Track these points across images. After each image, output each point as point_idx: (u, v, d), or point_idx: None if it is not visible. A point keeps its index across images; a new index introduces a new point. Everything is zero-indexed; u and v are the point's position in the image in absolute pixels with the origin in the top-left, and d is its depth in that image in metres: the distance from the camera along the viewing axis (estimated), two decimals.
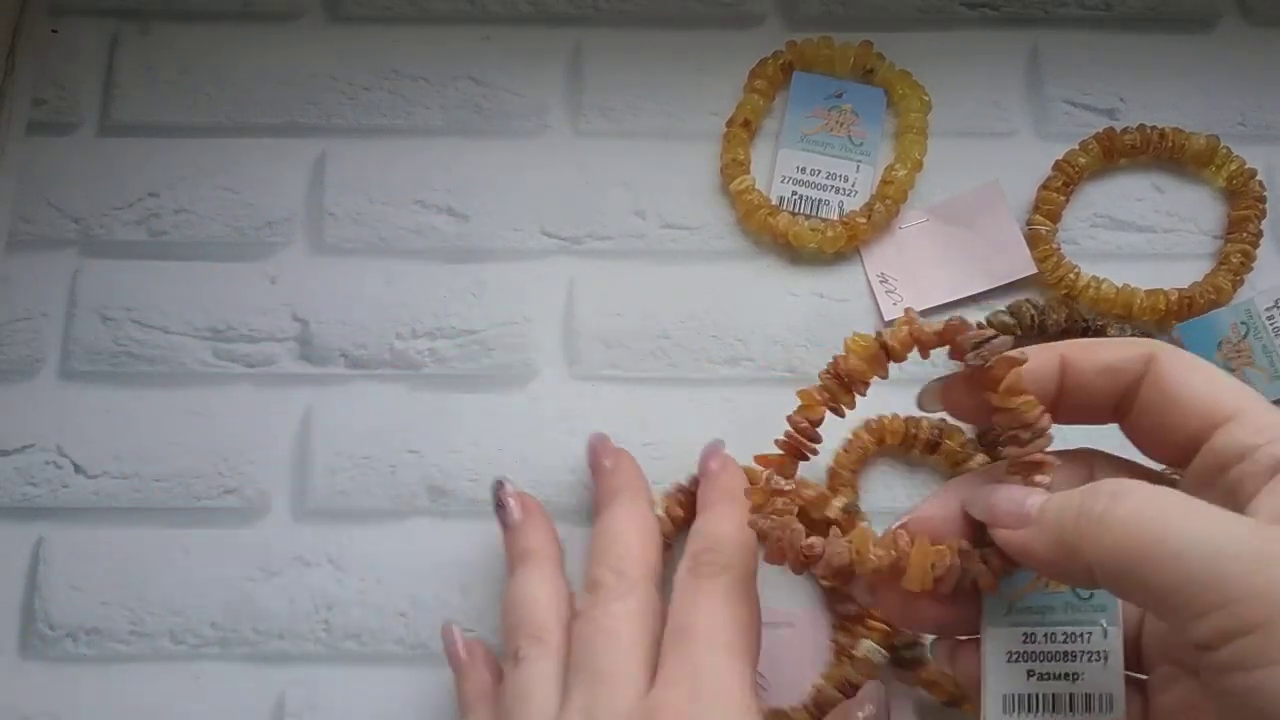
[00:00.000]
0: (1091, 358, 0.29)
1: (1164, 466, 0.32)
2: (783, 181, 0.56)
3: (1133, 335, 0.49)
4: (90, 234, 0.56)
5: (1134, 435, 0.30)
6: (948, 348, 0.32)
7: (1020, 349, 0.31)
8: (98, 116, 0.58)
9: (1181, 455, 0.28)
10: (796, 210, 0.55)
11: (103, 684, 0.49)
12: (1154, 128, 0.55)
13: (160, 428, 0.53)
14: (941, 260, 0.55)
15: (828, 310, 0.54)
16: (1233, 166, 0.55)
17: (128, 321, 0.54)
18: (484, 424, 0.52)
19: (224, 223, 0.56)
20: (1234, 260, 0.53)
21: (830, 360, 0.34)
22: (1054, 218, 0.55)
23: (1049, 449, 0.31)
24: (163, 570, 0.51)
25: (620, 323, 0.54)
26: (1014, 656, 0.31)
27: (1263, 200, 0.54)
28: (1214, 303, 0.53)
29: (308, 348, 0.54)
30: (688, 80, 0.58)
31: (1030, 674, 0.30)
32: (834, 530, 0.33)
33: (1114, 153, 0.55)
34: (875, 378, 0.34)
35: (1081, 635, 0.31)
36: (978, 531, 0.32)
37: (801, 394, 0.34)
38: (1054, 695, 0.30)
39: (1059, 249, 0.54)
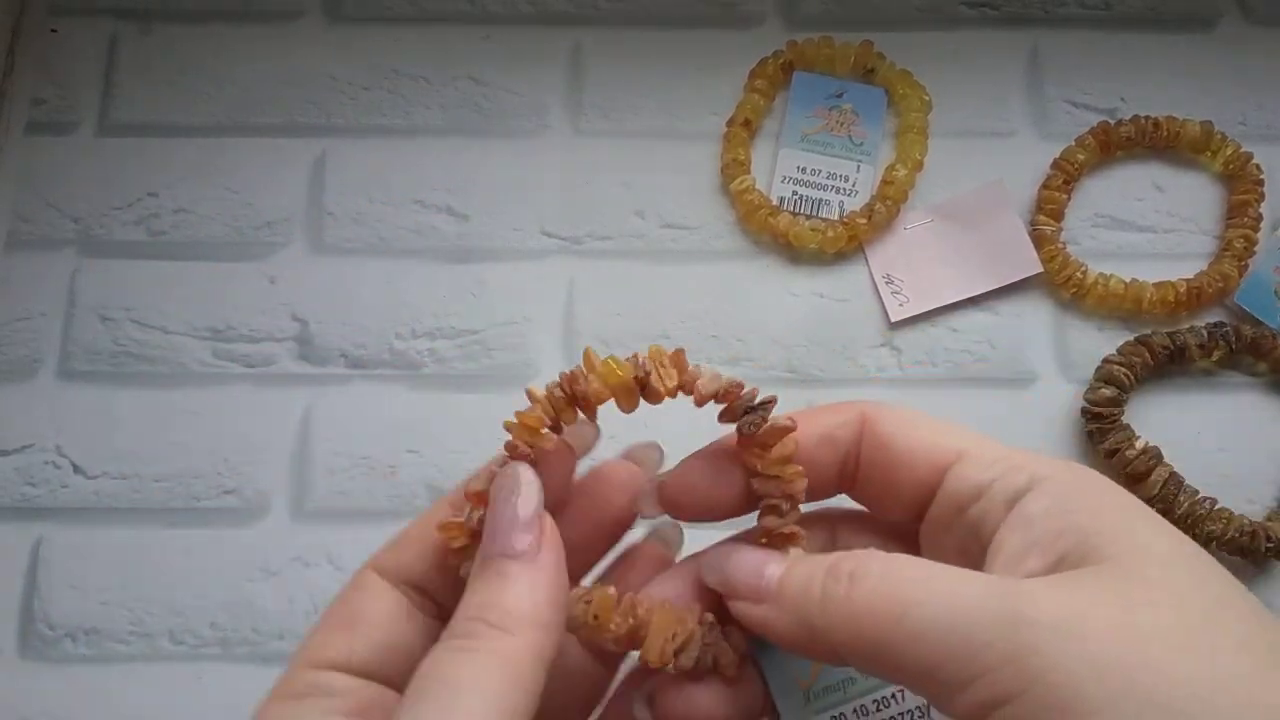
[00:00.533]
0: (809, 428, 0.27)
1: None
2: (783, 181, 0.56)
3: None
4: (89, 234, 0.56)
5: (865, 500, 0.28)
6: (718, 406, 0.28)
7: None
8: (97, 116, 0.58)
9: (915, 509, 0.26)
10: (797, 210, 0.55)
11: (102, 684, 0.49)
12: (1148, 118, 0.55)
13: (160, 428, 0.53)
14: (946, 260, 0.55)
15: (828, 310, 0.54)
16: (1229, 151, 0.55)
17: (127, 321, 0.54)
18: (484, 424, 0.52)
19: (223, 223, 0.56)
20: (1237, 246, 0.53)
21: (568, 372, 0.27)
22: (1057, 216, 0.55)
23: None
24: (162, 570, 0.50)
25: (620, 322, 0.54)
26: None
27: (1260, 184, 0.54)
28: (1223, 291, 0.53)
29: (307, 348, 0.54)
30: (688, 80, 0.58)
31: None
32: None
33: (1111, 146, 0.55)
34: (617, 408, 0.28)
35: (893, 697, 0.28)
36: (722, 606, 0.28)
37: (522, 416, 0.27)
38: None
39: (1064, 247, 0.54)
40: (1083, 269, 0.53)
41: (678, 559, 0.30)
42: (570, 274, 0.55)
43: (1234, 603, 0.22)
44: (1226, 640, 0.21)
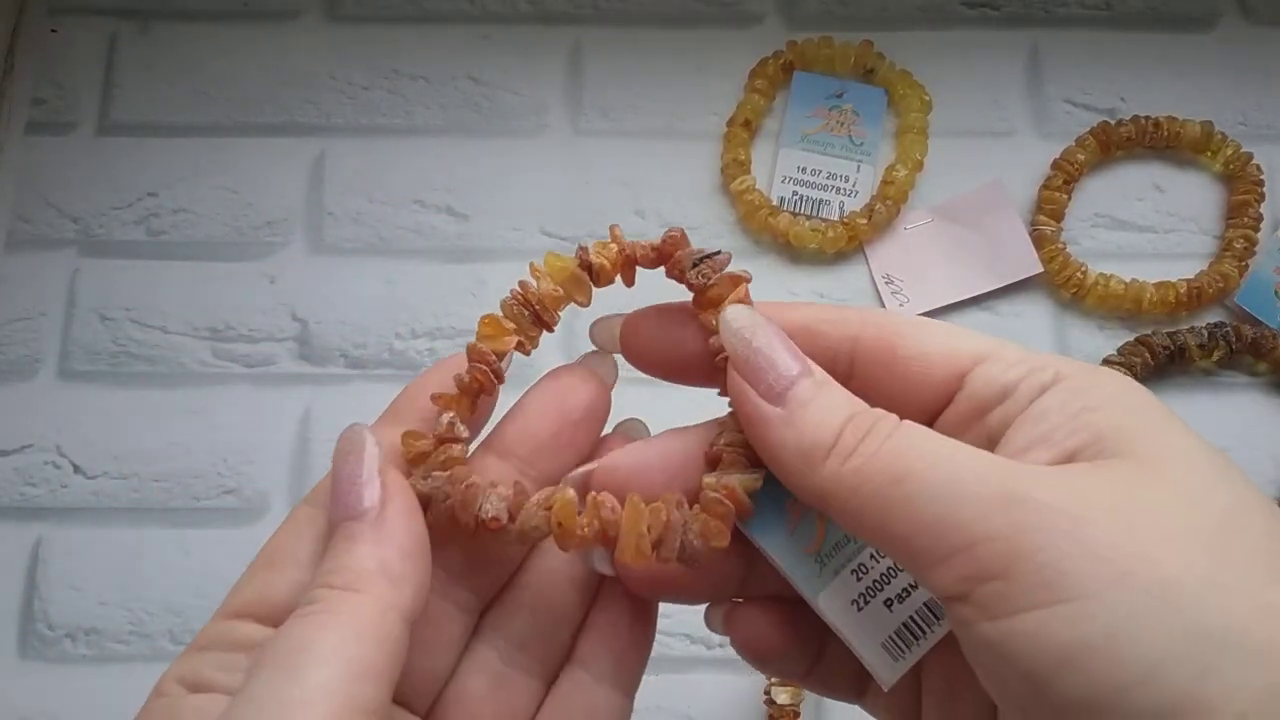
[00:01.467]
0: (787, 316, 0.25)
1: None
2: (783, 181, 0.56)
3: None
4: (89, 234, 0.56)
5: (865, 400, 0.25)
6: (664, 266, 0.27)
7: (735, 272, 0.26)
8: (97, 116, 0.58)
9: (925, 415, 0.24)
10: (797, 210, 0.55)
11: (102, 684, 0.49)
12: (1148, 118, 0.55)
13: (159, 428, 0.53)
14: (947, 260, 0.54)
15: None
16: (1229, 151, 0.55)
17: (127, 321, 0.54)
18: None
19: (223, 222, 0.56)
20: (1237, 246, 0.53)
21: (517, 283, 0.27)
22: (1057, 216, 0.55)
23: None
24: (162, 570, 0.50)
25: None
26: (860, 600, 0.25)
27: (1260, 184, 0.54)
28: (1223, 291, 0.53)
29: (307, 347, 0.54)
30: (688, 80, 0.58)
31: (888, 603, 0.25)
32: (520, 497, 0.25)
33: (1111, 146, 0.55)
34: (574, 304, 0.27)
35: None
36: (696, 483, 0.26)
37: (487, 320, 0.26)
38: (925, 604, 0.25)
39: (1064, 248, 0.54)
40: (1083, 269, 0.53)
41: None
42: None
43: (1254, 513, 0.20)
44: (1238, 546, 0.19)
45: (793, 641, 0.27)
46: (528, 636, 0.26)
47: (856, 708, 0.28)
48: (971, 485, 0.20)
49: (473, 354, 0.26)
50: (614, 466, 0.26)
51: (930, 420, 0.24)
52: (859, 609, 0.25)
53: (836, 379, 0.24)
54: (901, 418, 0.24)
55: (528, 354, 0.27)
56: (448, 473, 0.25)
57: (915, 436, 0.22)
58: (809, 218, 0.55)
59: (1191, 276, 0.53)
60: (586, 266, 0.27)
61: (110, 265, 0.55)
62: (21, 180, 0.57)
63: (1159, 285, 0.53)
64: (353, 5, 0.60)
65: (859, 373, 0.25)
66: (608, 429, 0.28)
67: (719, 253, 0.26)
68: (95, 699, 0.49)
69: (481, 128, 0.58)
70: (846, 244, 0.54)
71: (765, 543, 0.26)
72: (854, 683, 0.27)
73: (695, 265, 0.26)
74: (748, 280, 0.26)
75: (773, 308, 0.25)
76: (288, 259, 0.55)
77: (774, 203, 0.55)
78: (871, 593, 0.25)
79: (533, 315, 0.26)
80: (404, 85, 0.58)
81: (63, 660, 0.49)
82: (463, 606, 0.26)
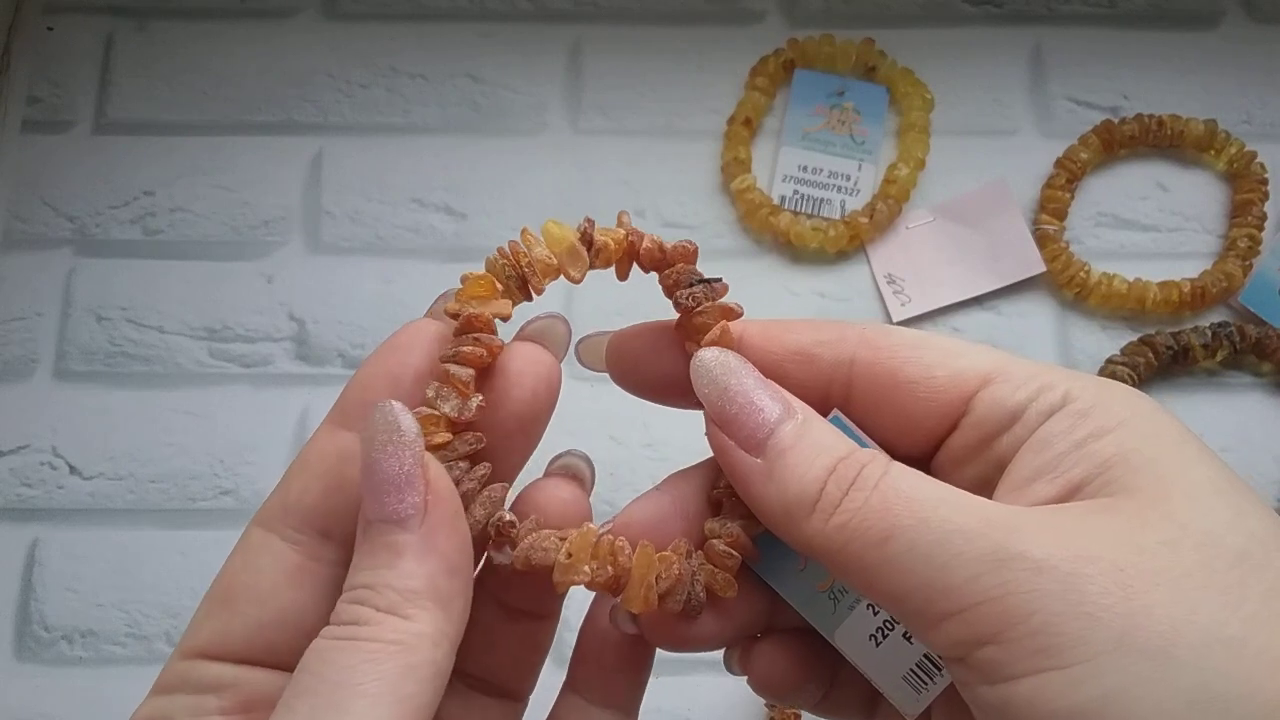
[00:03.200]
0: (779, 339, 0.24)
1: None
2: (784, 180, 0.56)
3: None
4: (85, 233, 0.56)
5: (864, 430, 0.24)
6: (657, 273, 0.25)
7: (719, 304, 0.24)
8: (93, 114, 0.58)
9: (930, 443, 0.23)
10: (798, 209, 0.55)
11: (98, 686, 0.49)
12: (1152, 116, 0.55)
13: (156, 428, 0.52)
14: (949, 260, 0.54)
15: (829, 310, 0.54)
16: (1233, 150, 0.55)
17: (123, 321, 0.54)
18: None
19: (220, 221, 0.56)
20: (1241, 245, 0.53)
21: (509, 242, 0.24)
22: (1060, 216, 0.54)
23: None
24: (159, 572, 0.50)
25: (620, 323, 0.53)
26: (878, 635, 0.24)
27: (1264, 183, 0.54)
28: (1227, 290, 0.53)
29: (304, 347, 0.54)
30: (688, 78, 0.58)
31: (907, 636, 0.24)
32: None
33: (1114, 144, 0.55)
34: (562, 277, 0.25)
35: None
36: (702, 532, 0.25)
37: (477, 280, 0.24)
38: None
39: (1067, 247, 0.54)
40: (1086, 269, 0.53)
41: (588, 493, 0.25)
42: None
43: (1273, 550, 0.19)
44: (1253, 589, 0.18)
45: (809, 674, 0.26)
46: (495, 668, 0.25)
47: None
48: (960, 544, 0.19)
49: (466, 323, 0.23)
50: (629, 523, 0.24)
51: (935, 447, 0.23)
52: (877, 644, 0.24)
53: (835, 403, 0.23)
54: (904, 445, 0.23)
55: (507, 319, 0.24)
56: (464, 465, 0.22)
57: (903, 486, 0.20)
58: (810, 217, 0.55)
59: (1195, 276, 0.53)
60: (588, 241, 0.24)
61: (106, 265, 0.55)
62: (17, 179, 0.56)
63: (1162, 285, 0.53)
64: (351, 3, 0.60)
65: (858, 398, 0.23)
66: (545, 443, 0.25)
67: (718, 280, 0.24)
68: (92, 701, 0.49)
69: (480, 126, 0.57)
70: (848, 243, 0.54)
71: (775, 582, 0.25)
72: (864, 705, 0.26)
73: (690, 285, 0.24)
74: (738, 314, 0.24)
75: (764, 329, 0.24)
76: (285, 258, 0.55)
77: (775, 202, 0.55)
78: (889, 626, 0.25)
79: (519, 279, 0.24)
80: (402, 84, 0.58)
81: (59, 662, 0.49)
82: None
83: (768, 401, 0.22)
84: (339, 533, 0.22)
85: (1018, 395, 0.22)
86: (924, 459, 0.24)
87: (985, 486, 0.22)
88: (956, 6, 0.59)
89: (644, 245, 0.25)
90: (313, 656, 0.19)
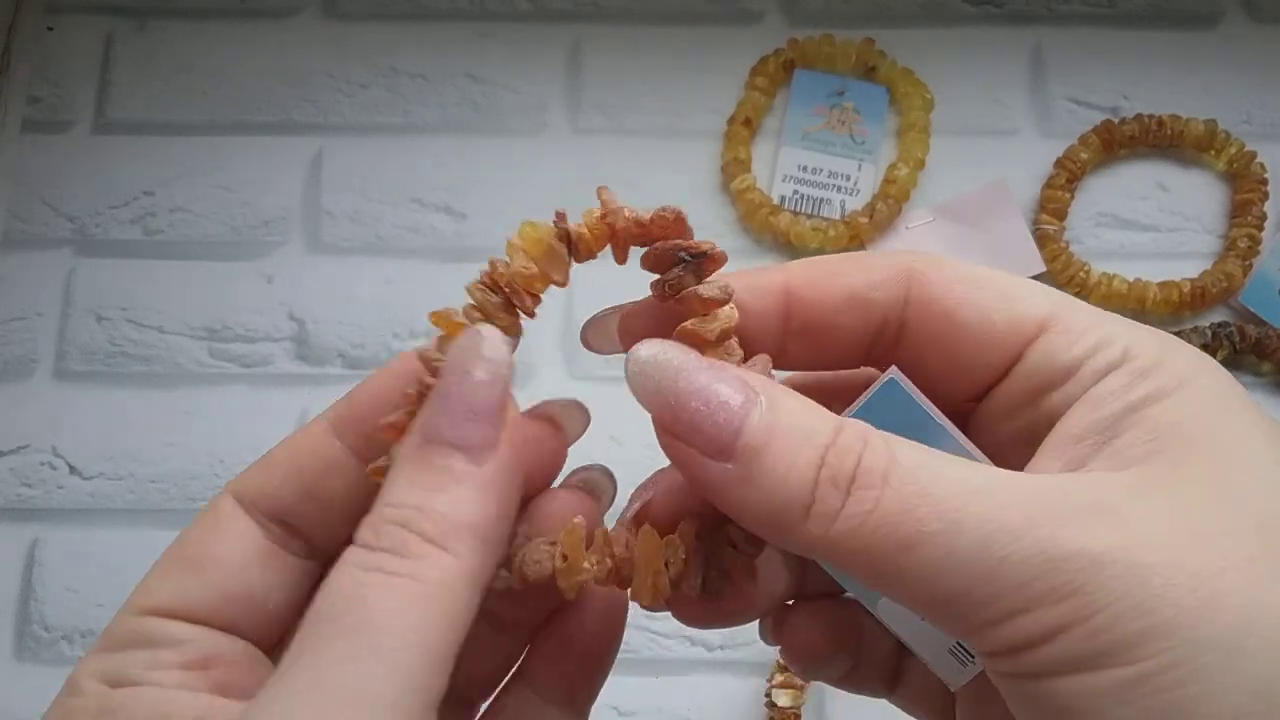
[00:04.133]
0: (829, 286, 0.21)
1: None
2: (784, 180, 0.55)
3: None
4: (85, 233, 0.56)
5: (911, 375, 0.22)
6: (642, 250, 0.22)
7: (727, 278, 0.22)
8: (93, 114, 0.58)
9: (978, 390, 0.21)
10: (798, 209, 0.55)
11: None
12: (1152, 116, 0.55)
13: (156, 428, 0.52)
14: None
15: None
16: (1232, 150, 0.55)
17: (123, 321, 0.54)
18: None
19: (220, 221, 0.56)
20: (1241, 245, 0.53)
21: (485, 265, 0.22)
22: (1060, 215, 0.54)
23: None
24: None
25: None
26: None
27: (1264, 182, 0.54)
28: (1227, 290, 0.53)
29: (304, 348, 0.54)
30: (688, 78, 0.58)
31: None
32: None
33: (1114, 144, 0.55)
34: (552, 285, 0.23)
35: None
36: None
37: (439, 318, 0.21)
38: None
39: (1067, 247, 0.54)
40: (1086, 269, 0.53)
41: (604, 513, 0.23)
42: (570, 273, 0.54)
43: None
44: None
45: (841, 644, 0.24)
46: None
47: (857, 711, 0.27)
48: (1006, 546, 0.17)
49: (426, 360, 0.21)
50: (657, 497, 0.22)
51: (981, 394, 0.21)
52: (921, 616, 0.22)
53: (883, 347, 0.21)
54: (951, 391, 0.21)
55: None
56: None
57: (922, 479, 0.18)
58: (810, 217, 0.55)
59: (1195, 276, 0.53)
60: (565, 238, 0.22)
61: (106, 265, 0.55)
62: (17, 179, 0.56)
63: (1162, 285, 0.53)
64: (350, 3, 0.60)
65: (909, 340, 0.21)
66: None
67: (705, 254, 0.21)
68: None
69: (480, 126, 0.57)
70: (848, 243, 0.54)
71: None
72: (886, 678, 0.25)
73: (678, 264, 0.22)
74: (727, 300, 0.21)
75: (810, 278, 0.21)
76: (285, 258, 0.55)
77: (775, 202, 0.55)
78: None
79: (504, 300, 0.22)
80: (402, 83, 0.58)
81: (59, 662, 0.49)
82: None
83: (727, 392, 0.19)
84: (307, 534, 0.22)
85: (1074, 349, 0.20)
86: (968, 407, 0.22)
87: (1031, 441, 0.20)
88: (956, 6, 0.59)
89: (620, 226, 0.22)
90: (349, 584, 0.18)
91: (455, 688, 0.21)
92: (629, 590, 0.22)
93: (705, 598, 0.22)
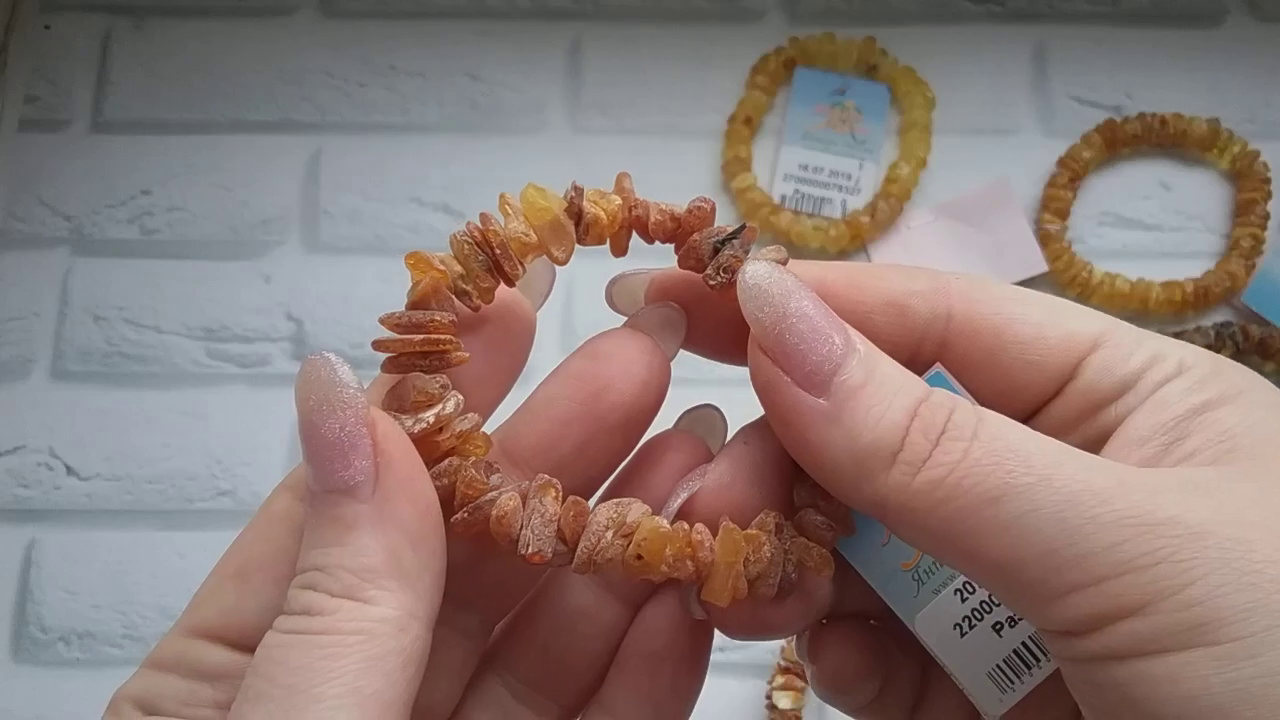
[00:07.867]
0: (867, 286, 0.21)
1: None
2: (785, 179, 0.55)
3: None
4: (82, 232, 0.55)
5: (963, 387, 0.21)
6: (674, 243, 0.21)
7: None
8: (90, 113, 0.57)
9: (1030, 408, 0.21)
10: (799, 208, 0.55)
11: (95, 688, 0.48)
12: (1154, 115, 0.55)
13: (153, 429, 0.52)
14: (951, 259, 0.54)
15: None
16: (1236, 149, 0.54)
17: (120, 321, 0.54)
18: None
19: (217, 221, 0.55)
20: (1244, 245, 0.53)
21: (478, 216, 0.20)
22: (1063, 215, 0.54)
23: None
24: (156, 573, 0.50)
25: (620, 322, 0.53)
26: (965, 624, 0.22)
27: (1268, 182, 0.54)
28: (1230, 290, 0.52)
29: (302, 347, 0.53)
30: (688, 76, 0.57)
31: (997, 628, 0.22)
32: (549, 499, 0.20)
33: (1116, 143, 0.55)
34: (548, 257, 0.21)
35: None
36: (788, 495, 0.22)
37: (415, 259, 0.20)
38: (1033, 632, 0.21)
39: (1070, 247, 0.54)
40: (1088, 268, 0.53)
41: (718, 448, 0.22)
42: (569, 273, 0.54)
43: None
44: None
45: (871, 668, 0.23)
46: (542, 674, 0.22)
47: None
48: (1095, 506, 0.17)
49: (405, 325, 0.19)
50: (713, 497, 0.21)
51: (1033, 414, 0.21)
52: (962, 634, 0.22)
53: (921, 367, 0.21)
54: (1001, 411, 0.20)
55: (475, 310, 0.20)
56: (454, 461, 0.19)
57: (1012, 437, 0.18)
58: (811, 216, 0.55)
59: (1198, 276, 0.53)
60: (576, 214, 0.20)
61: (103, 264, 0.55)
62: (14, 178, 0.56)
63: (1165, 284, 0.52)
64: (349, 1, 0.59)
65: (954, 357, 0.21)
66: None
67: (741, 231, 0.20)
68: (88, 703, 0.48)
69: (479, 125, 0.57)
70: (849, 243, 0.54)
71: (854, 557, 0.22)
72: (906, 711, 0.24)
73: (717, 251, 0.20)
74: (783, 263, 0.20)
75: (850, 275, 0.21)
76: (283, 258, 0.55)
77: (776, 201, 0.55)
78: (978, 615, 0.22)
79: (489, 260, 0.20)
80: (401, 82, 0.58)
81: (56, 664, 0.49)
82: (466, 632, 0.22)
83: (833, 331, 0.19)
84: None
85: (1131, 362, 0.20)
86: None
87: None
88: (958, 4, 0.59)
89: (653, 218, 0.21)
90: (263, 655, 0.17)
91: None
92: (697, 589, 0.20)
93: (778, 597, 0.21)
